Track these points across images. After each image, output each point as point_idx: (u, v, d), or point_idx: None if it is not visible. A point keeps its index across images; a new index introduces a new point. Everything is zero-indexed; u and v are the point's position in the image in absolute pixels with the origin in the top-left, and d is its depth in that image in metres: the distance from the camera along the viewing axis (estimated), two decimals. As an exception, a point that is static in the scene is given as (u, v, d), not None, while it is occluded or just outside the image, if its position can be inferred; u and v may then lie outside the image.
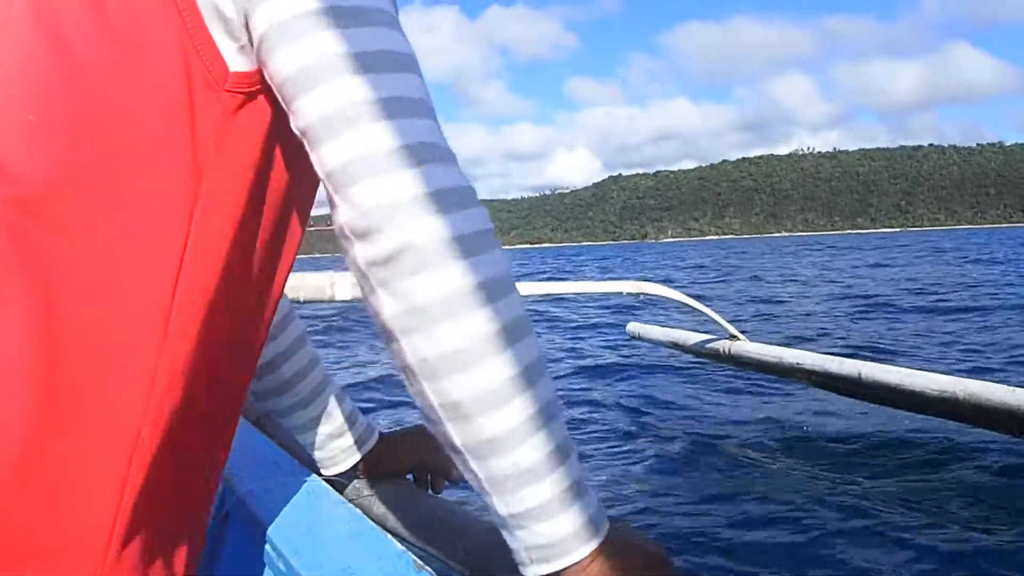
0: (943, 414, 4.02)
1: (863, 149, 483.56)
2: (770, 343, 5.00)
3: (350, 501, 1.00)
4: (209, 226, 0.63)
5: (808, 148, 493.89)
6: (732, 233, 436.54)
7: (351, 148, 0.58)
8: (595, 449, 4.09)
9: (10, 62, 0.64)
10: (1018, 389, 3.81)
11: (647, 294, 4.74)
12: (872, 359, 4.88)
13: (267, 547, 0.86)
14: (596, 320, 7.82)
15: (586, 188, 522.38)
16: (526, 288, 4.85)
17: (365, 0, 0.61)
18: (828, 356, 4.70)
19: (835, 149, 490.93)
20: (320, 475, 1.05)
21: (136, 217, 0.60)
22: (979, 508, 3.17)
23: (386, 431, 1.12)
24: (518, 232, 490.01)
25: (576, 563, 0.62)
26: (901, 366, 4.47)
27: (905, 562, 2.73)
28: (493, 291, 0.58)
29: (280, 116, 0.64)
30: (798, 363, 4.69)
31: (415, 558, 0.79)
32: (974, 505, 3.21)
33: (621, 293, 4.83)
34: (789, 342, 6.44)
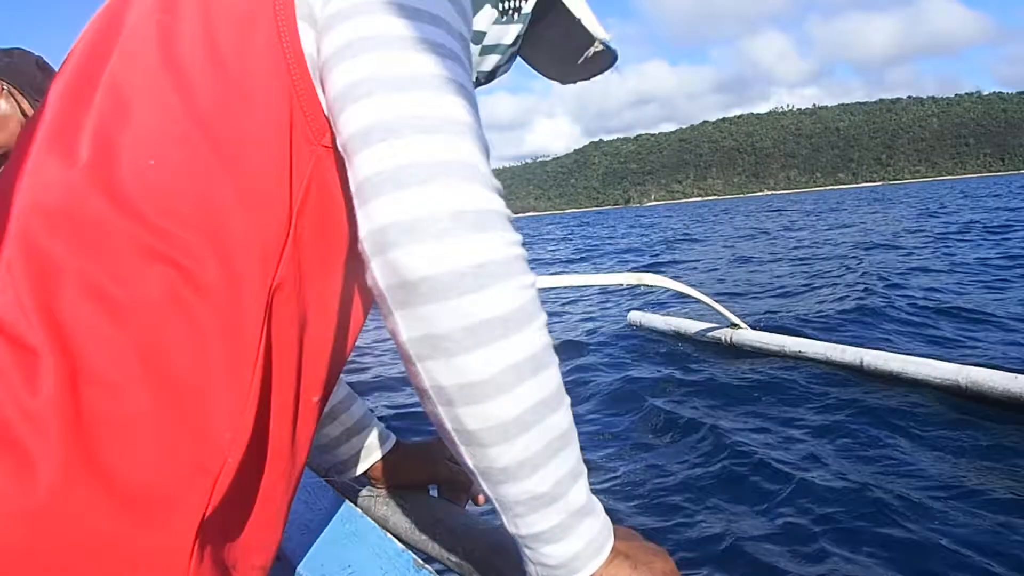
0: (945, 401, 4.04)
1: (842, 104, 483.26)
2: (772, 331, 5.02)
3: (352, 501, 0.99)
4: (298, 267, 0.65)
5: (788, 106, 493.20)
6: (715, 194, 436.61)
7: (381, 158, 0.56)
8: (595, 443, 4.07)
9: (139, 99, 0.65)
10: (1020, 376, 3.83)
11: (647, 285, 4.73)
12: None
13: None
14: (597, 309, 7.78)
15: (567, 155, 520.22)
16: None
17: (423, 23, 0.61)
18: (830, 344, 4.72)
19: (814, 105, 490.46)
20: (326, 478, 1.04)
21: (241, 257, 0.61)
22: (986, 498, 3.17)
23: (405, 440, 1.09)
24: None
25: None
26: (903, 353, 4.49)
27: (905, 557, 2.74)
28: (515, 322, 0.56)
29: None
30: (800, 351, 4.71)
31: (415, 557, 0.79)
32: (979, 495, 3.22)
33: (621, 284, 4.82)
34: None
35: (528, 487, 0.60)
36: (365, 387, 5.35)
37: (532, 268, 0.59)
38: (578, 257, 19.59)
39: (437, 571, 0.79)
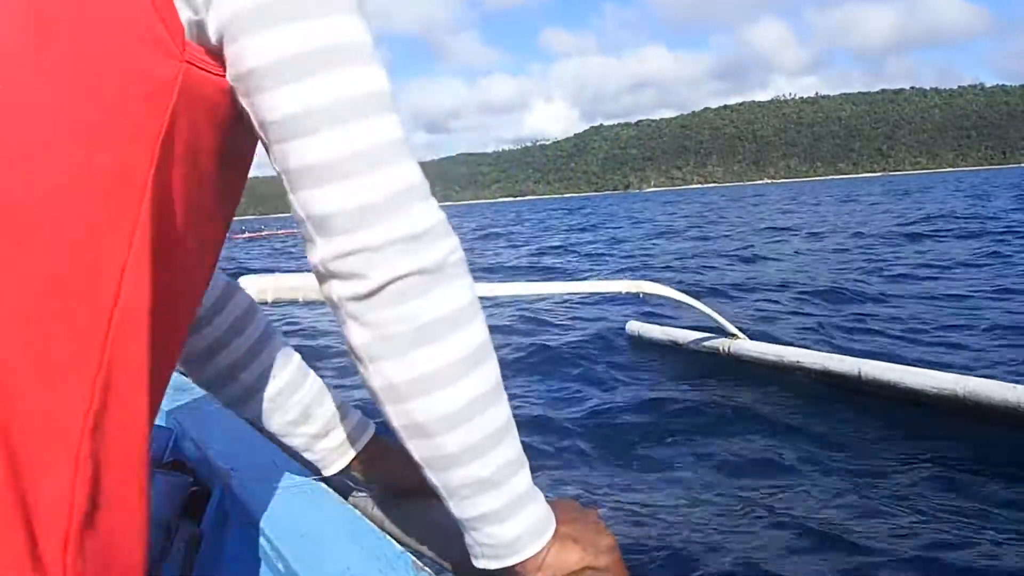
0: (943, 411, 4.04)
1: (844, 94, 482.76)
2: (770, 342, 5.00)
3: (349, 502, 0.99)
4: (163, 194, 0.58)
5: (790, 94, 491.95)
6: (715, 181, 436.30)
7: (337, 198, 0.59)
8: (592, 451, 4.07)
9: None
10: (1018, 386, 3.83)
11: (646, 293, 4.70)
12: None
13: (266, 548, 0.87)
14: (594, 317, 7.77)
15: (567, 139, 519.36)
16: (521, 288, 4.79)
17: (346, 37, 0.60)
18: (828, 354, 4.71)
19: (816, 94, 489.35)
20: (319, 476, 1.03)
21: (95, 178, 0.55)
22: (981, 506, 3.18)
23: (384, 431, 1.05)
24: (500, 186, 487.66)
25: (522, 562, 0.69)
26: (902, 364, 4.49)
27: (904, 559, 2.75)
28: (460, 320, 0.63)
29: (232, 104, 0.62)
30: (798, 361, 4.70)
31: (414, 559, 0.79)
32: (974, 502, 3.23)
33: (619, 292, 4.80)
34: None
35: (473, 472, 0.66)
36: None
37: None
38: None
39: (435, 572, 0.79)
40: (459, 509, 0.69)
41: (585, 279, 11.37)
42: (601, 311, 8.70)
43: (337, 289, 0.61)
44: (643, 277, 7.83)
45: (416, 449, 0.66)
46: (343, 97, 0.59)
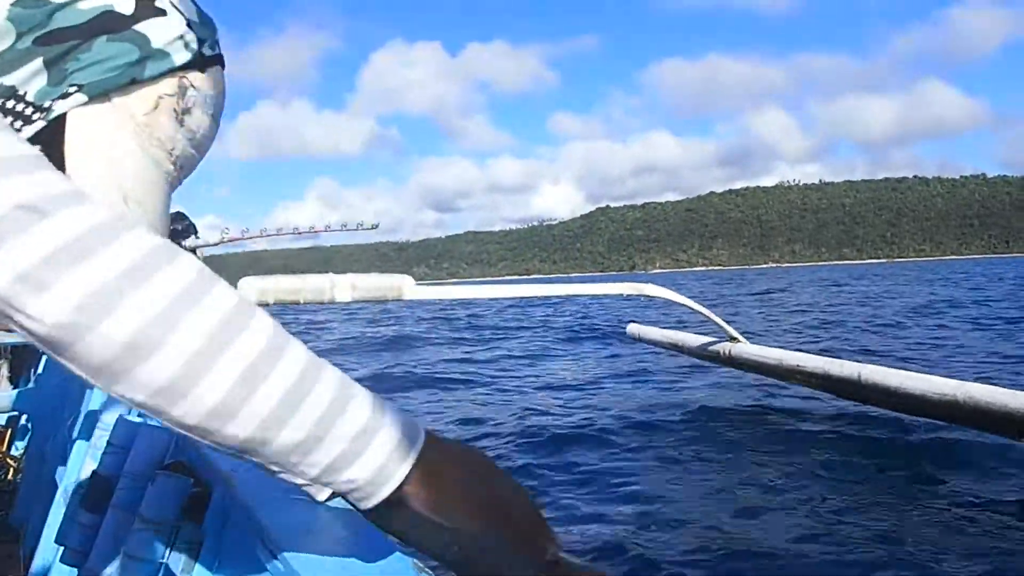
0: (943, 417, 4.03)
1: (848, 181, 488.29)
2: (770, 345, 5.02)
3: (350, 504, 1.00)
4: None
5: (794, 180, 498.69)
6: (720, 264, 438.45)
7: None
8: (591, 454, 4.06)
9: None
10: (1019, 392, 3.83)
11: (647, 296, 4.74)
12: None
13: (268, 549, 0.86)
14: (595, 322, 7.80)
15: (574, 219, 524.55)
16: (526, 290, 4.84)
17: None
18: (828, 359, 4.70)
19: (820, 181, 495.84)
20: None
21: None
22: (983, 507, 3.16)
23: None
24: (507, 264, 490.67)
25: (400, 485, 0.62)
26: (901, 369, 4.49)
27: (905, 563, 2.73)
28: (183, 303, 0.54)
29: None
30: (798, 365, 4.70)
31: (416, 561, 0.78)
32: (977, 508, 3.21)
33: (621, 295, 4.83)
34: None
35: (285, 439, 0.59)
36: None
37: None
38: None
39: (437, 574, 0.78)
40: (302, 476, 0.62)
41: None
42: (602, 312, 8.71)
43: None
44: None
45: (226, 449, 0.59)
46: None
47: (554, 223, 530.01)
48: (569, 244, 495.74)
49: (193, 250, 4.10)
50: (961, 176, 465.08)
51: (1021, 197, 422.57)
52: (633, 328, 5.47)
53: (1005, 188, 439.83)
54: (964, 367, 6.67)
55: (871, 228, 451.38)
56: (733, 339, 5.00)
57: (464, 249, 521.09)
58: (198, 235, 4.27)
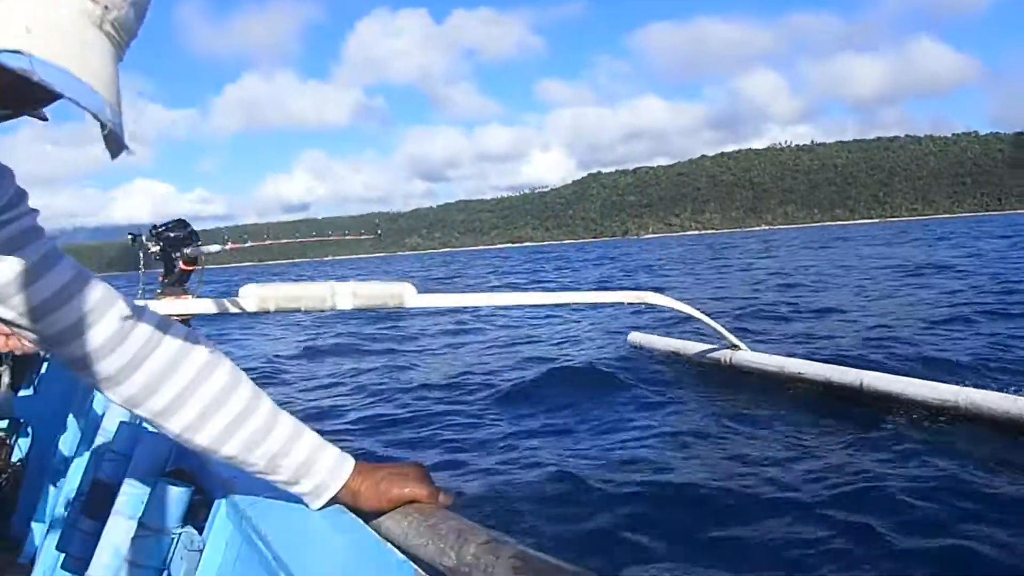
0: (945, 421, 4.07)
1: (840, 142, 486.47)
2: (772, 353, 5.05)
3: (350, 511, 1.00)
4: None
5: (786, 142, 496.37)
6: (712, 228, 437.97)
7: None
8: (592, 461, 4.08)
9: None
10: (1019, 397, 3.86)
11: (650, 304, 4.75)
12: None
13: (268, 556, 0.86)
14: (597, 328, 7.81)
15: (566, 186, 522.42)
16: (529, 299, 4.85)
17: None
18: (830, 366, 4.74)
19: (812, 142, 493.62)
20: None
21: None
22: (986, 510, 3.19)
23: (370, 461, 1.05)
24: (499, 232, 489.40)
25: (343, 487, 0.97)
26: (902, 375, 4.52)
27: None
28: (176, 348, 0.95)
29: None
30: (800, 372, 4.73)
31: (416, 567, 0.79)
32: (979, 506, 3.24)
33: (623, 303, 4.86)
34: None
35: (264, 451, 0.94)
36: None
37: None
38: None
39: None
40: (282, 476, 0.96)
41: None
42: (603, 322, 8.73)
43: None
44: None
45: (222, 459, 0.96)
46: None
47: (546, 190, 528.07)
48: (561, 211, 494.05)
49: (195, 258, 4.12)
50: (953, 134, 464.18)
51: (1013, 154, 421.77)
52: (634, 336, 5.50)
53: (997, 145, 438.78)
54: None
55: (863, 188, 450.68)
56: (734, 346, 5.03)
57: (456, 218, 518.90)
58: (199, 242, 4.25)
